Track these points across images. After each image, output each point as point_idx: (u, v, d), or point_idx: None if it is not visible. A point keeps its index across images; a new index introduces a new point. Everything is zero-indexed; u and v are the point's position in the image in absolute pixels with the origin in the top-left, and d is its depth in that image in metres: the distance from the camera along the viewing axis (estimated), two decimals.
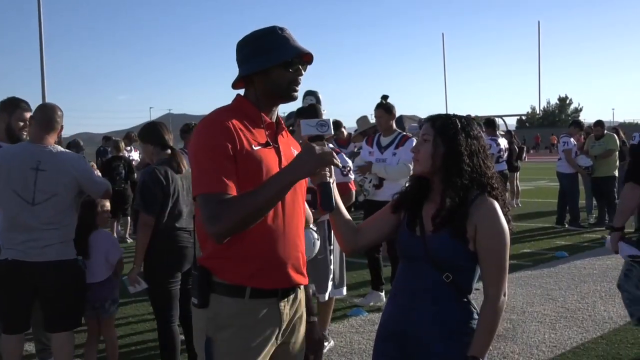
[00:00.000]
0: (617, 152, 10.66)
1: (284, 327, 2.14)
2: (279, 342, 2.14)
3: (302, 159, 1.97)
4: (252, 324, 2.05)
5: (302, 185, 2.19)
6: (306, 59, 2.15)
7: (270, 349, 2.11)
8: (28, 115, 4.15)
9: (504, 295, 2.18)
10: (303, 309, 2.26)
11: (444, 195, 2.21)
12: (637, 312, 3.97)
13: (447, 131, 2.23)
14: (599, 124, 11.02)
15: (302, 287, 2.24)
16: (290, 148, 2.24)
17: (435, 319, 2.19)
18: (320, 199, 2.03)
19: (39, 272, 3.62)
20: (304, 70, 2.16)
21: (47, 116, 3.79)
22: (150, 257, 3.95)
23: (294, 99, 2.15)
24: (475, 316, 2.24)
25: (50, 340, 4.30)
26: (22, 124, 4.14)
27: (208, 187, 1.96)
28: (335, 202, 2.15)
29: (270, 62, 2.08)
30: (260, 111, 2.13)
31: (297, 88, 2.14)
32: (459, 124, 2.25)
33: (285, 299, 2.13)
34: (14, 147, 3.89)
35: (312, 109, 2.00)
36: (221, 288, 2.04)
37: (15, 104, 4.20)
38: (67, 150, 3.92)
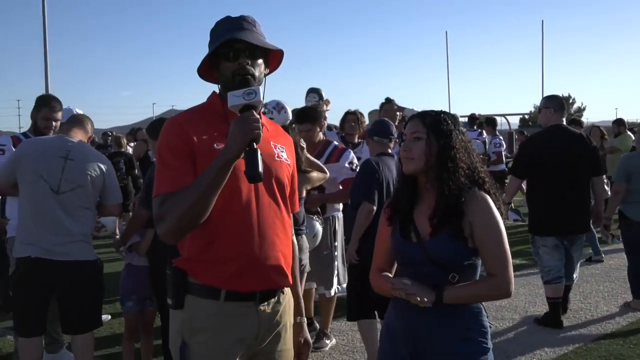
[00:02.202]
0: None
1: (263, 331, 2.04)
2: (258, 347, 2.05)
3: (230, 136, 1.84)
4: (228, 326, 1.97)
5: (282, 183, 2.08)
6: (248, 46, 1.98)
7: (248, 352, 2.03)
8: (56, 115, 4.21)
9: (511, 283, 2.15)
10: (289, 317, 2.15)
11: (439, 194, 2.18)
12: (546, 275, 5.25)
13: (441, 128, 2.21)
14: (617, 122, 11.11)
15: (285, 290, 2.13)
16: (270, 142, 2.09)
17: (446, 320, 2.16)
18: (245, 166, 1.83)
19: (59, 272, 3.55)
20: (251, 57, 2.00)
21: (78, 117, 3.98)
22: (156, 257, 3.91)
23: (244, 87, 1.92)
24: (484, 312, 2.23)
25: (61, 335, 4.30)
26: (45, 122, 4.20)
27: (156, 189, 1.95)
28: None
29: (208, 54, 2.02)
30: (224, 107, 1.98)
31: (244, 77, 1.97)
32: (449, 120, 2.24)
33: (265, 303, 2.03)
34: (43, 137, 3.95)
35: (241, 80, 1.80)
36: (197, 289, 1.97)
37: (43, 103, 4.28)
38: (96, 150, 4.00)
